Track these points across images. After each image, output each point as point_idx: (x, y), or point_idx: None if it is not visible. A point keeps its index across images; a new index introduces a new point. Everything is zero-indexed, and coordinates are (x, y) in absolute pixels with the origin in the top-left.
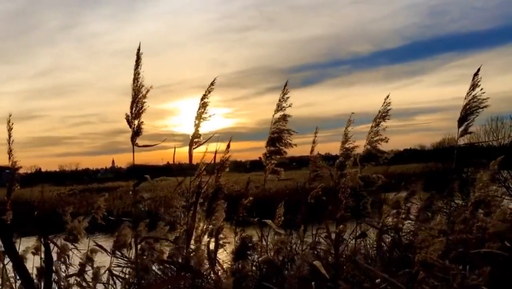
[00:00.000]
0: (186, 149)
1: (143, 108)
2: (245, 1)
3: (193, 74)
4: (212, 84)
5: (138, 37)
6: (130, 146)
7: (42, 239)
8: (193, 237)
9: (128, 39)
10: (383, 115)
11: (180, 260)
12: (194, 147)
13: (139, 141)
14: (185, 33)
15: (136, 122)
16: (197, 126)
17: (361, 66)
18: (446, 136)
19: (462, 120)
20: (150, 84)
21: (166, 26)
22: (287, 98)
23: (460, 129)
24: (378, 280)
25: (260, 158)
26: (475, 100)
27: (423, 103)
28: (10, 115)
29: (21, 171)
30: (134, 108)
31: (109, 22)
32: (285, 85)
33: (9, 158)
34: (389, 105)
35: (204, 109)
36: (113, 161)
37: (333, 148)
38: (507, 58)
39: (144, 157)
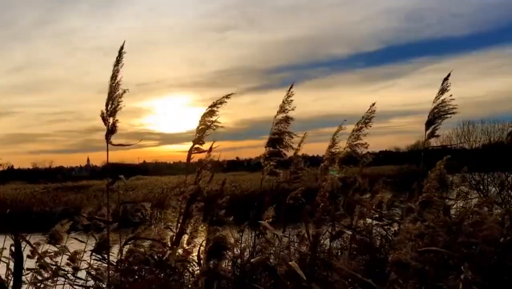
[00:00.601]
0: (162, 148)
1: (119, 106)
2: (225, 1)
3: (171, 73)
4: (227, 96)
5: (116, 35)
6: (106, 145)
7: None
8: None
9: (106, 36)
10: (366, 121)
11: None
12: (194, 152)
13: (114, 140)
14: (164, 32)
15: (111, 120)
16: (201, 131)
17: (339, 69)
18: (420, 138)
19: (430, 123)
20: (127, 82)
21: (145, 24)
22: (291, 100)
23: (427, 132)
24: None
25: (237, 158)
26: (443, 104)
27: (399, 106)
28: None
29: None
30: (109, 106)
31: (86, 19)
32: (290, 87)
33: None
34: (373, 113)
35: (211, 117)
36: (88, 160)
37: (310, 149)
38: (481, 64)
39: (120, 155)
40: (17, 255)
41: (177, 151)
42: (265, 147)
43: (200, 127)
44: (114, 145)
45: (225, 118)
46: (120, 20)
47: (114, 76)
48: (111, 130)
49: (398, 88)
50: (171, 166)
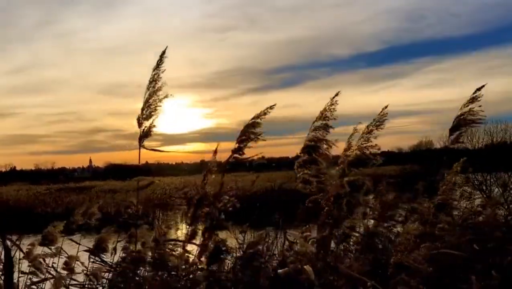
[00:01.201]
0: (164, 149)
1: (156, 110)
2: (226, 2)
3: (172, 73)
4: (271, 107)
5: (117, 35)
6: (108, 145)
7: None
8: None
9: (107, 37)
10: (378, 124)
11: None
12: (232, 160)
13: (147, 144)
14: (165, 32)
15: (147, 123)
16: (243, 142)
17: (341, 69)
18: (423, 139)
19: (454, 129)
20: (129, 82)
21: (146, 24)
22: (334, 109)
23: (451, 138)
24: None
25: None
26: (471, 113)
27: (401, 106)
28: None
29: None
30: (146, 110)
31: (87, 20)
32: (336, 95)
33: None
34: (385, 116)
35: (255, 129)
36: (90, 160)
37: None
38: (483, 64)
39: (122, 156)
40: (6, 259)
41: (179, 152)
42: (300, 153)
43: (241, 138)
44: (147, 149)
45: (226, 119)
46: (121, 21)
47: (153, 80)
48: (145, 134)
49: (399, 88)
50: (173, 167)
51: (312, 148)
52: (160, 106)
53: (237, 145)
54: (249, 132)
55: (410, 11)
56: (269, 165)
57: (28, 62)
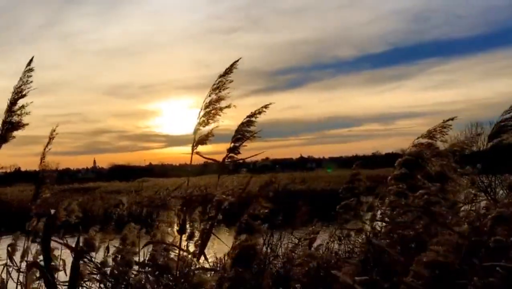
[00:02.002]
0: (168, 150)
1: (214, 118)
2: (231, 3)
3: (177, 75)
4: (266, 106)
5: (122, 37)
6: (112, 146)
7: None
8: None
9: (112, 38)
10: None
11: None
12: (228, 161)
13: (201, 151)
14: (170, 34)
15: (203, 130)
16: (238, 141)
17: (345, 70)
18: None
19: (494, 136)
20: (132, 83)
21: (151, 26)
22: (445, 132)
23: (490, 144)
24: None
25: (243, 160)
26: None
27: (405, 107)
28: None
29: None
30: (205, 116)
31: (92, 21)
32: (452, 119)
33: None
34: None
35: (249, 127)
36: (94, 161)
37: (317, 151)
38: (488, 65)
39: (126, 158)
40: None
41: (183, 153)
42: (397, 167)
43: (236, 137)
44: (202, 156)
45: (230, 120)
46: (125, 22)
47: (217, 88)
48: (200, 141)
49: (404, 89)
50: (177, 168)
51: (413, 163)
52: (220, 115)
53: (232, 144)
54: (243, 130)
55: (416, 12)
56: (273, 166)
57: (33, 63)
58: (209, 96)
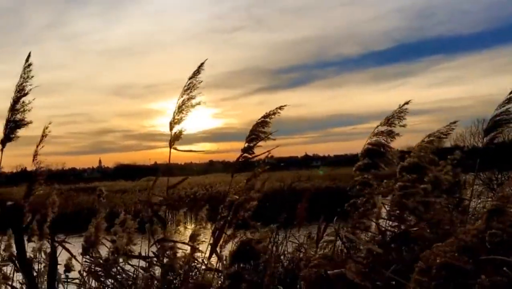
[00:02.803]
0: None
1: (187, 116)
2: (234, 2)
3: (181, 74)
4: (281, 108)
5: (126, 37)
6: (117, 146)
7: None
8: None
9: (116, 38)
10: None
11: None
12: (242, 160)
13: (177, 145)
14: (173, 33)
15: (178, 127)
16: (252, 141)
17: (349, 68)
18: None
19: (490, 130)
20: (137, 83)
21: (154, 25)
22: (403, 117)
23: (486, 139)
24: None
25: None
26: (507, 113)
27: (410, 105)
28: None
29: (6, 170)
30: (178, 114)
31: (96, 21)
32: (406, 103)
33: None
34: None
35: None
36: (100, 161)
37: (321, 149)
38: (494, 61)
39: (131, 157)
40: (52, 259)
41: (188, 152)
42: (360, 157)
43: (250, 137)
44: (180, 150)
45: (234, 119)
46: (129, 22)
47: (188, 88)
48: (176, 137)
49: (409, 86)
50: (182, 167)
51: (374, 152)
52: (191, 112)
53: (246, 144)
54: (258, 131)
55: (420, 8)
56: (277, 165)
57: (37, 64)
58: (181, 96)
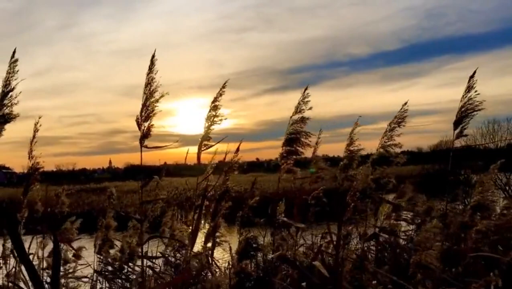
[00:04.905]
0: (183, 150)
1: (153, 112)
2: (244, 2)
3: (190, 74)
4: (224, 86)
5: (136, 37)
6: (128, 146)
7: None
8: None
9: (126, 39)
10: (399, 120)
11: (176, 260)
12: (203, 149)
13: (148, 143)
14: (183, 34)
15: (146, 124)
16: (207, 128)
17: (359, 68)
18: (443, 138)
19: (458, 122)
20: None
21: (164, 26)
22: (307, 101)
23: (456, 132)
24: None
25: (257, 159)
26: (470, 102)
27: (420, 105)
28: None
29: (17, 170)
30: (144, 111)
31: (107, 22)
32: (305, 89)
33: None
34: (406, 112)
35: (215, 112)
36: (110, 161)
37: (331, 149)
38: (504, 61)
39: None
40: (55, 253)
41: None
42: (282, 146)
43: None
44: (149, 148)
45: (244, 119)
46: (139, 23)
47: (148, 84)
48: (145, 135)
49: (419, 87)
50: (191, 168)
51: (293, 140)
52: (157, 106)
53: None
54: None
55: (430, 8)
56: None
57: (48, 65)
58: (144, 93)
